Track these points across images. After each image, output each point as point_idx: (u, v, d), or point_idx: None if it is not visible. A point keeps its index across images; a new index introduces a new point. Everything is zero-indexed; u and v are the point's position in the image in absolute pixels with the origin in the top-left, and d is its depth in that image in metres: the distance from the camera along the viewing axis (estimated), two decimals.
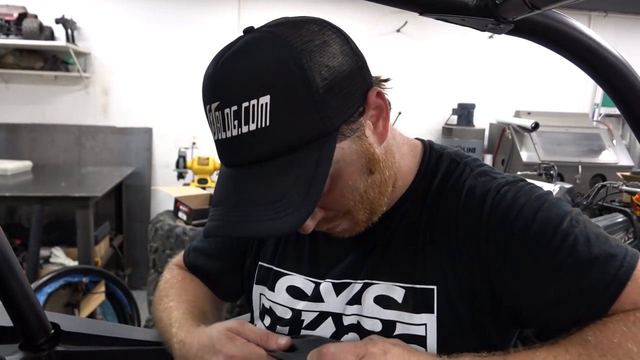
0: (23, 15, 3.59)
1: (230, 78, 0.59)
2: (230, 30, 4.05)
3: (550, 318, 0.65)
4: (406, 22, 4.15)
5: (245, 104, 0.57)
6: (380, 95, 0.64)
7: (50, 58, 3.80)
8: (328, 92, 0.58)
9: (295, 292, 0.78)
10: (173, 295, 0.86)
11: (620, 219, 2.86)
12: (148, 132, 4.07)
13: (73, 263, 3.10)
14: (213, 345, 0.70)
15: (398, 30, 4.22)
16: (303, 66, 0.57)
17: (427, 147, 0.77)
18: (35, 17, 3.66)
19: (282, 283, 0.79)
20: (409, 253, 0.70)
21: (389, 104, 0.67)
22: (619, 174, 3.56)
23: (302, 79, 0.57)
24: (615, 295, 0.61)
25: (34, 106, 3.93)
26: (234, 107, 0.57)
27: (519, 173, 3.00)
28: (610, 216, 2.90)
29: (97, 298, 2.78)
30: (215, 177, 3.79)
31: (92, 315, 2.79)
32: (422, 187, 0.73)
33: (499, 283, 0.66)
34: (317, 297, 0.75)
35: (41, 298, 2.42)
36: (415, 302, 0.68)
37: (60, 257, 3.16)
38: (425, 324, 0.67)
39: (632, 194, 2.85)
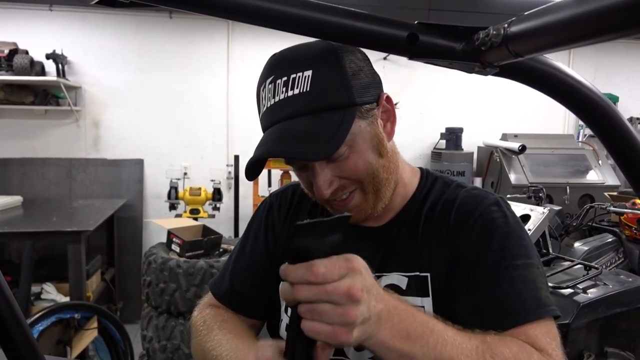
0: (14, 51, 3.63)
1: (283, 59, 0.79)
2: (220, 61, 4.12)
3: (470, 314, 0.78)
4: None
5: (293, 75, 0.76)
6: (389, 100, 0.83)
7: (41, 92, 3.83)
8: (353, 78, 0.77)
9: None
10: (217, 329, 0.92)
11: (610, 239, 2.90)
12: (139, 163, 4.07)
13: (64, 299, 3.05)
14: None
15: (385, 58, 4.31)
16: (338, 56, 0.76)
17: (425, 171, 0.96)
18: (26, 52, 3.70)
19: None
20: (411, 248, 0.86)
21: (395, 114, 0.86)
22: (606, 194, 3.62)
23: (336, 64, 0.76)
24: (515, 324, 0.74)
25: (24, 140, 3.94)
26: (284, 78, 0.76)
27: (508, 196, 3.04)
28: (600, 237, 2.94)
29: (90, 334, 2.73)
30: (207, 207, 3.79)
31: (84, 353, 2.74)
32: (421, 199, 0.90)
33: (455, 273, 0.82)
34: None
35: None
36: (416, 288, 0.83)
37: (52, 293, 3.12)
38: (423, 307, 0.82)
39: (620, 214, 2.89)
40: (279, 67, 0.78)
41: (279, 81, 0.76)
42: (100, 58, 3.98)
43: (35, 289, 3.06)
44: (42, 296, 3.09)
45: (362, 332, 0.61)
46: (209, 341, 0.90)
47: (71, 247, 2.79)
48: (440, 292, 0.82)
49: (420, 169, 0.96)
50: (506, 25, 0.52)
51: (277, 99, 0.76)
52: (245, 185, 3.98)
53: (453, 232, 0.83)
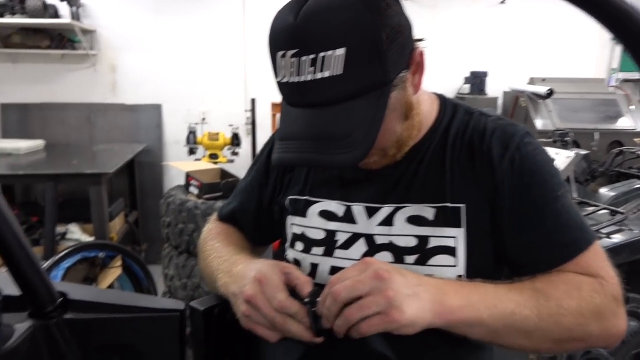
0: None
1: (311, 30, 0.66)
2: (236, 6, 3.99)
3: (521, 255, 0.78)
4: None
5: (322, 54, 0.65)
6: (421, 55, 0.75)
7: (57, 37, 3.79)
8: (389, 49, 0.68)
9: (327, 215, 0.86)
10: (219, 239, 0.95)
11: (637, 186, 2.80)
12: (157, 108, 4.06)
13: (89, 239, 3.14)
14: (244, 282, 0.75)
15: None
16: (374, 25, 0.66)
17: (443, 98, 0.90)
18: None
19: (315, 209, 0.87)
20: (438, 179, 0.81)
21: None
22: (637, 140, 3.48)
23: (372, 38, 0.66)
24: (571, 257, 0.75)
25: (43, 85, 3.94)
26: (312, 56, 0.65)
27: None
28: (627, 183, 2.84)
29: (114, 272, 2.82)
30: (226, 152, 3.79)
31: (110, 289, 2.84)
32: (443, 128, 0.84)
33: (499, 213, 0.79)
34: (349, 218, 0.84)
35: (59, 273, 2.46)
36: (445, 219, 0.78)
37: (77, 234, 3.20)
38: (455, 237, 0.78)
39: None
40: (304, 39, 0.66)
41: (304, 58, 0.65)
42: (115, 0, 3.89)
43: (60, 229, 3.14)
44: (68, 236, 3.18)
45: (418, 309, 0.63)
46: (208, 250, 0.94)
47: (93, 189, 2.84)
48: (475, 225, 0.78)
49: (438, 95, 0.90)
50: None
51: (303, 78, 0.66)
52: (264, 129, 3.94)
53: (488, 165, 0.79)
